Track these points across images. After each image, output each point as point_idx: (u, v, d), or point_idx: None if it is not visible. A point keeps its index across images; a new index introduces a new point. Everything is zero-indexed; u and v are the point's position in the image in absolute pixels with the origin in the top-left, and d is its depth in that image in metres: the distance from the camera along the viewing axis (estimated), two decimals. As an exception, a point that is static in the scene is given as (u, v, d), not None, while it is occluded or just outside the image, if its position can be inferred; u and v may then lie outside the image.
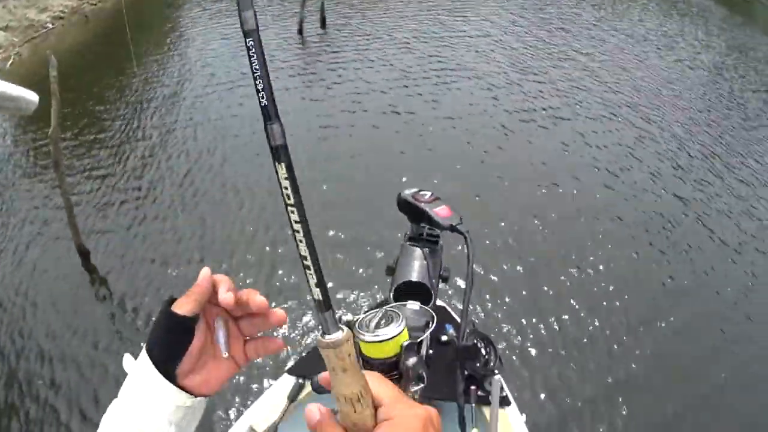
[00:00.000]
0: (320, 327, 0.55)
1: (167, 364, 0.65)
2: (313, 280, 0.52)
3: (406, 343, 0.64)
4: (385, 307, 0.71)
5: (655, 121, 7.23)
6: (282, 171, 0.49)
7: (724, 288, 4.65)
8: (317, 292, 0.53)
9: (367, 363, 0.67)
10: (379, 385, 0.58)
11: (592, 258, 4.76)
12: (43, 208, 5.31)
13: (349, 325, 0.66)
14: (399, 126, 6.67)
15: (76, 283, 4.53)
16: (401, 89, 7.50)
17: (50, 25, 8.53)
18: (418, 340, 0.68)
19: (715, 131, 7.29)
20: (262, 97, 0.46)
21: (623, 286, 4.51)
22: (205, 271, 0.66)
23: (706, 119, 7.59)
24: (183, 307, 0.64)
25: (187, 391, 0.66)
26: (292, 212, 0.50)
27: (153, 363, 0.64)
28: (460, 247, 1.86)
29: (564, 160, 6.13)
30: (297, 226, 0.50)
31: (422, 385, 0.64)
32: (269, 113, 0.47)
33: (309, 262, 0.51)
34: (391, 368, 0.65)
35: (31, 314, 4.25)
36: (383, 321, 0.66)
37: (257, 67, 0.46)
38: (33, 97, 3.06)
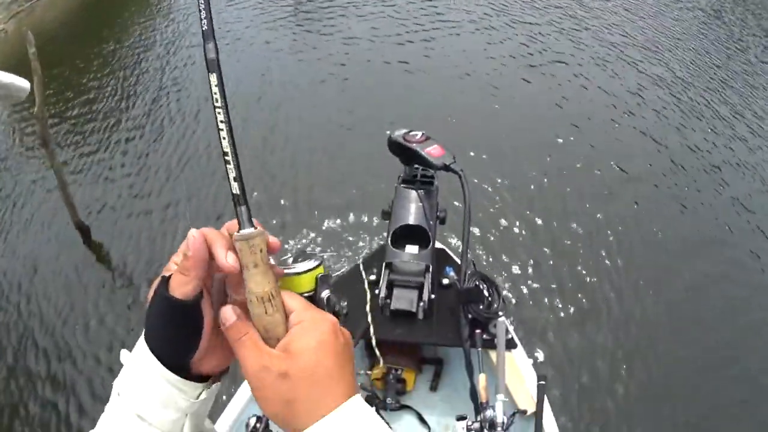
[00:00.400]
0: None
1: (180, 359, 0.58)
2: (232, 174, 0.57)
3: (320, 276, 0.66)
4: (305, 249, 0.69)
5: (655, 66, 7.00)
6: (213, 80, 0.56)
7: (731, 240, 4.52)
8: (235, 187, 0.57)
9: None
10: (289, 296, 0.58)
11: (591, 203, 4.64)
12: (36, 189, 5.20)
13: (272, 267, 0.65)
14: (391, 76, 6.48)
15: (80, 261, 4.45)
16: (393, 39, 7.28)
17: (35, -3, 8.27)
18: (334, 274, 0.66)
19: (717, 78, 7.06)
20: (204, 24, 0.56)
21: (625, 232, 4.43)
22: (195, 235, 0.55)
23: (707, 64, 7.37)
24: (183, 287, 0.55)
25: (203, 376, 0.60)
26: (219, 113, 0.57)
27: (161, 360, 0.57)
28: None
29: (561, 107, 5.94)
30: (222, 125, 0.57)
31: (340, 320, 0.64)
32: (206, 35, 0.56)
33: (230, 158, 0.57)
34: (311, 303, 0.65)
35: (35, 299, 4.16)
36: (300, 258, 0.67)
37: (202, 2, 0.56)
38: (24, 83, 2.94)
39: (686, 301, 3.95)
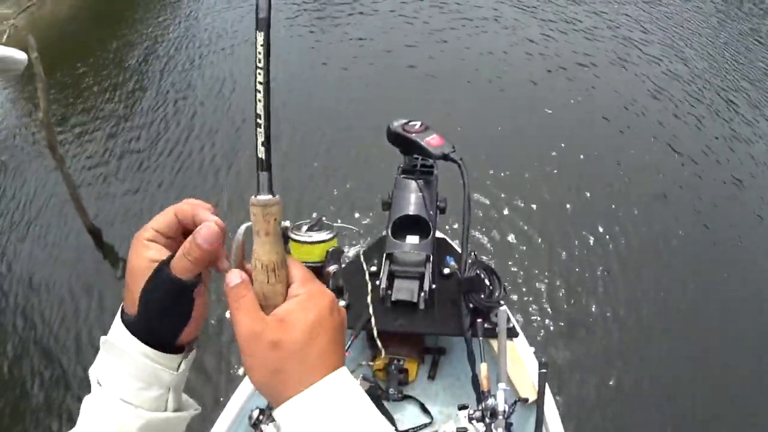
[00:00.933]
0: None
1: (173, 334, 0.59)
2: (261, 139, 0.56)
3: (331, 249, 0.66)
4: (322, 217, 0.69)
5: (671, 63, 6.55)
6: (260, 38, 0.55)
7: (743, 239, 4.33)
8: (262, 151, 0.56)
9: None
10: (294, 265, 0.58)
11: (595, 198, 4.52)
12: (44, 194, 5.14)
13: (285, 229, 0.66)
14: (409, 79, 6.29)
15: (93, 264, 4.41)
16: (413, 42, 7.09)
17: (45, -10, 8.21)
18: (344, 249, 0.66)
19: (736, 74, 6.68)
20: None
21: (629, 226, 4.35)
22: (217, 230, 0.56)
23: (723, 59, 6.91)
24: (190, 272, 0.56)
25: (178, 348, 0.61)
26: (259, 74, 0.56)
27: (144, 340, 0.58)
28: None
29: (572, 106, 5.76)
30: (260, 87, 0.56)
31: (343, 302, 0.64)
32: None
33: (262, 120, 0.56)
34: (318, 274, 0.64)
35: (48, 303, 4.15)
36: (316, 227, 0.68)
37: None
38: (21, 56, 2.93)
39: (691, 294, 3.89)
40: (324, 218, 0.68)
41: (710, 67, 6.75)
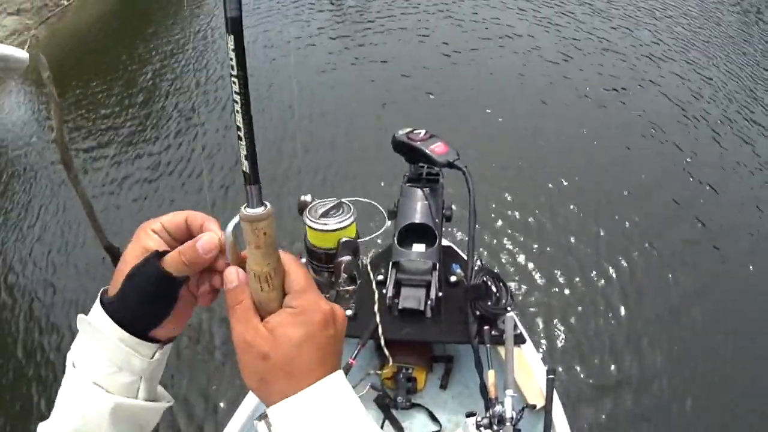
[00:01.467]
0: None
1: (148, 327, 0.60)
2: (243, 152, 0.53)
3: (343, 240, 0.64)
4: (343, 199, 0.68)
5: (691, 79, 6.41)
6: (231, 43, 0.49)
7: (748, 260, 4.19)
8: (246, 165, 0.53)
9: (310, 250, 0.68)
10: (293, 271, 0.57)
11: (605, 204, 4.53)
12: (63, 213, 5.16)
13: (304, 206, 0.66)
14: (430, 108, 6.06)
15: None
16: (428, 64, 6.91)
17: (65, 2, 8.28)
18: (359, 240, 0.66)
19: (752, 86, 6.37)
20: None
21: (637, 235, 4.32)
22: (215, 243, 0.57)
23: (738, 71, 6.59)
24: (181, 272, 0.57)
25: (158, 340, 0.62)
26: (234, 83, 0.51)
27: (128, 325, 0.58)
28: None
29: (590, 126, 5.58)
30: (236, 97, 0.51)
31: (354, 287, 0.65)
32: None
33: (242, 134, 0.53)
34: (330, 260, 0.66)
35: (64, 325, 4.13)
36: (333, 211, 0.67)
37: None
38: (22, 54, 2.95)
39: (701, 302, 3.85)
40: (344, 200, 0.67)
41: (731, 84, 6.53)
